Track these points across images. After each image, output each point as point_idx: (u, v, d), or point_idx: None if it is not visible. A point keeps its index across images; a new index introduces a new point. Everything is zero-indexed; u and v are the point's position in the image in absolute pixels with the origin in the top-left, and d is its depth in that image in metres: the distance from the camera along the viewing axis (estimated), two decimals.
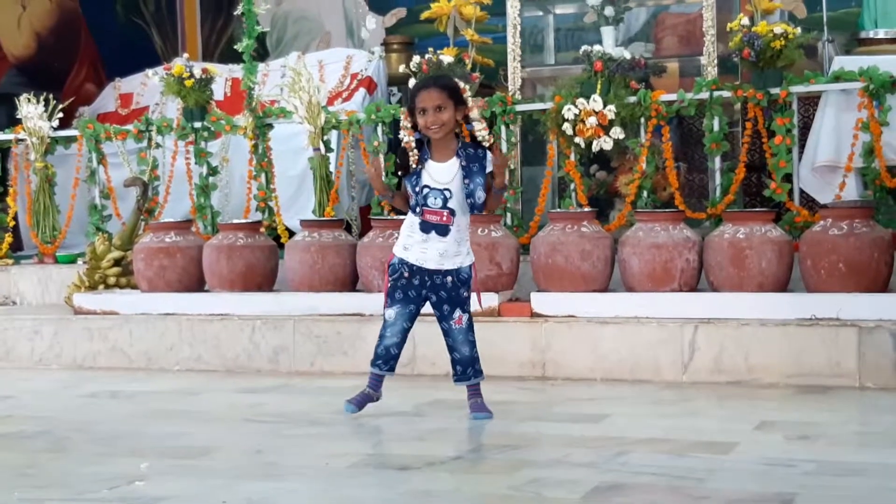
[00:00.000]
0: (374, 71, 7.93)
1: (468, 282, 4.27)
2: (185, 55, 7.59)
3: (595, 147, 6.16)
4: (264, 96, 7.33)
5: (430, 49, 6.75)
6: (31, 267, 7.54)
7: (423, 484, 3.28)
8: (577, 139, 6.16)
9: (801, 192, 6.11)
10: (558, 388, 5.05)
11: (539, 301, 5.41)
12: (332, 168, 6.74)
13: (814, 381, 4.84)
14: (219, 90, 7.78)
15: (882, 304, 4.93)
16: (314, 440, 3.99)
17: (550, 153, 6.48)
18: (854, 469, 3.35)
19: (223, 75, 7.94)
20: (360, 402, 4.36)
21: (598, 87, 6.14)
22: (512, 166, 6.57)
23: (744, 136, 6.09)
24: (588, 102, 6.09)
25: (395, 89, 8.16)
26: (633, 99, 6.13)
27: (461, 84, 4.29)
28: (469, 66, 6.70)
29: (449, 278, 4.24)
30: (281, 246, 6.32)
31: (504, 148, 6.47)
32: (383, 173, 4.18)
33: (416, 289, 4.26)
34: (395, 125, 6.51)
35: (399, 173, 4.28)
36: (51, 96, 7.57)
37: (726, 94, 6.04)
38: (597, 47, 6.35)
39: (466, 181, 4.15)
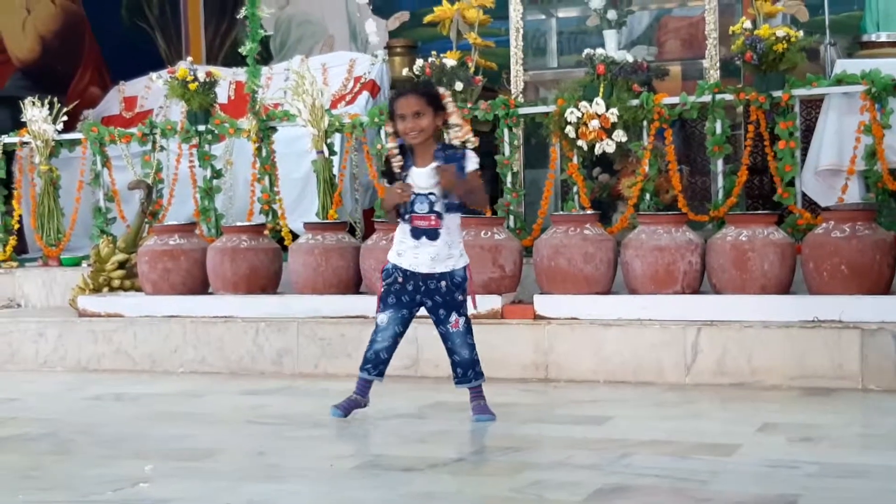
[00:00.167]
0: (378, 74, 7.94)
1: (463, 285, 4.28)
2: (189, 58, 7.61)
3: (598, 150, 6.17)
4: (268, 99, 7.35)
5: (434, 52, 6.77)
6: (35, 269, 7.56)
7: (425, 486, 3.29)
8: (579, 142, 6.17)
9: (803, 194, 6.11)
10: (561, 390, 5.05)
11: (542, 303, 5.42)
12: (335, 171, 6.75)
13: (816, 383, 4.84)
14: (222, 93, 7.79)
15: (884, 306, 4.93)
16: (317, 442, 4.00)
17: (553, 156, 6.49)
18: (857, 471, 3.35)
19: (227, 78, 7.95)
20: (347, 407, 4.34)
21: (601, 90, 6.15)
22: (515, 168, 6.58)
23: (746, 139, 6.10)
24: (591, 105, 6.10)
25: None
26: (635, 102, 6.13)
27: (441, 90, 4.30)
28: (472, 70, 6.71)
29: (443, 282, 4.25)
30: (285, 248, 6.33)
31: (507, 151, 6.49)
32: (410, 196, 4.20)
33: (409, 294, 4.27)
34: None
35: (386, 180, 4.31)
36: (55, 99, 7.58)
37: (729, 97, 6.04)
38: (599, 50, 6.36)
39: None
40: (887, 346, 4.79)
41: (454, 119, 4.23)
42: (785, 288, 5.24)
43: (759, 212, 6.06)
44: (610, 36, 7.02)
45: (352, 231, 6.67)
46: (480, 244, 5.58)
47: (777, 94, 5.92)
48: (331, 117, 6.65)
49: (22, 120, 7.61)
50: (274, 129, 6.99)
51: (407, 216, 4.23)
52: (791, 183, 5.93)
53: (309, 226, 6.13)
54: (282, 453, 3.84)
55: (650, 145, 6.14)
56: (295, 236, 6.61)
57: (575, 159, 6.27)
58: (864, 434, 4.14)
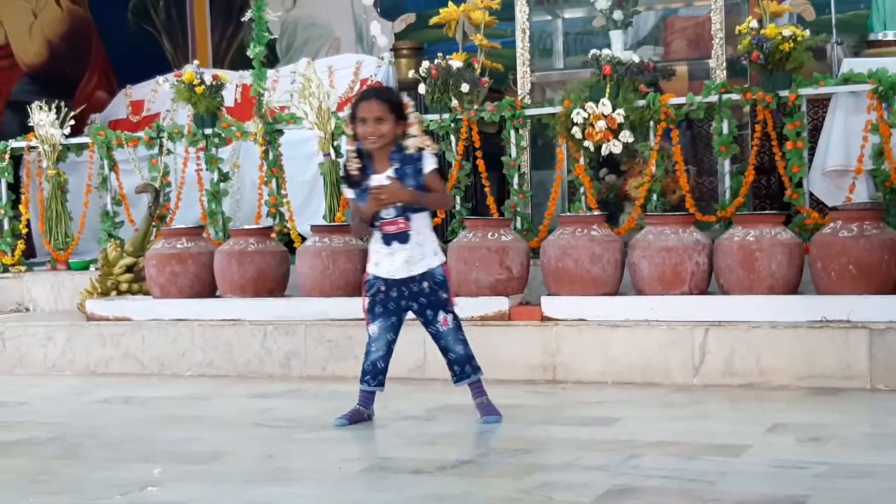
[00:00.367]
0: (384, 76, 7.94)
1: (445, 283, 4.28)
2: (196, 62, 7.62)
3: (604, 151, 6.16)
4: (274, 102, 7.36)
5: (440, 54, 6.76)
6: (43, 274, 7.58)
7: (434, 488, 3.29)
8: (586, 143, 6.17)
9: (811, 193, 6.10)
10: (569, 391, 5.05)
11: (549, 305, 5.41)
12: (342, 173, 6.75)
13: (825, 383, 4.83)
14: (229, 96, 7.81)
15: (893, 305, 4.92)
16: (325, 445, 4.00)
17: (560, 157, 6.49)
18: (865, 471, 3.34)
19: (233, 82, 7.97)
20: (351, 417, 4.33)
21: (607, 90, 6.15)
22: (522, 170, 6.58)
23: (753, 139, 6.09)
24: (597, 106, 6.10)
25: (404, 94, 8.16)
26: (642, 102, 6.13)
27: (404, 99, 4.29)
28: (478, 71, 6.71)
29: (425, 283, 4.25)
30: (292, 251, 6.34)
31: (513, 152, 6.49)
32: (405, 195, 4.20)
33: (394, 301, 4.27)
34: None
35: (344, 184, 4.30)
36: (62, 104, 7.61)
37: (735, 97, 6.04)
38: (605, 51, 6.36)
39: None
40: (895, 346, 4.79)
41: (414, 130, 4.21)
42: (793, 288, 5.23)
43: (767, 212, 6.05)
44: (616, 36, 7.02)
45: None
46: (487, 246, 5.59)
47: (784, 93, 5.92)
48: (337, 120, 6.66)
49: (29, 124, 7.64)
50: (281, 132, 7.01)
51: (377, 223, 4.23)
52: (799, 183, 5.92)
53: (316, 228, 6.13)
54: (290, 456, 3.84)
55: (657, 146, 6.13)
56: (303, 239, 6.62)
57: (582, 160, 6.27)
58: (872, 434, 4.13)
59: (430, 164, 4.19)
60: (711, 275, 5.37)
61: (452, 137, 6.62)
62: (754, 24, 6.00)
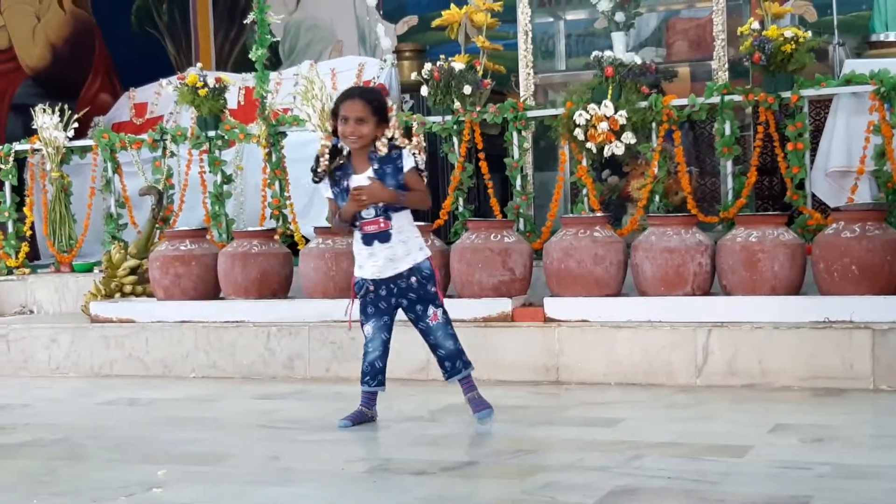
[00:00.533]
0: (387, 78, 7.95)
1: (432, 277, 4.28)
2: (199, 64, 7.63)
3: (607, 152, 6.17)
4: (277, 105, 7.36)
5: (442, 56, 6.77)
6: (47, 276, 7.59)
7: (437, 489, 3.30)
8: (588, 144, 6.18)
9: (813, 194, 6.11)
10: (572, 392, 5.06)
11: (552, 306, 5.42)
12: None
13: (828, 383, 4.83)
14: (232, 99, 7.82)
15: (895, 306, 4.92)
16: (329, 446, 4.01)
17: (562, 158, 6.50)
18: (868, 471, 3.35)
19: (236, 84, 7.98)
20: (355, 418, 4.34)
21: (610, 92, 6.16)
22: (525, 171, 6.58)
23: (755, 140, 6.10)
24: (599, 108, 6.11)
25: (407, 97, 8.19)
26: (644, 104, 6.14)
27: (389, 102, 4.28)
28: (480, 73, 6.72)
29: (413, 279, 4.26)
30: (296, 253, 6.34)
31: (516, 154, 6.50)
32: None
33: (384, 300, 4.28)
34: (406, 132, 6.52)
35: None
36: (66, 106, 7.62)
37: (737, 98, 6.04)
38: (608, 53, 6.37)
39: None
40: None
41: (393, 133, 4.19)
42: (795, 289, 5.23)
43: (769, 213, 6.05)
44: (618, 38, 7.03)
45: None
46: (490, 247, 5.59)
47: (786, 94, 5.92)
48: None
49: (33, 127, 7.65)
50: (284, 134, 7.02)
51: (357, 223, 4.23)
52: (800, 184, 5.93)
53: (319, 230, 6.14)
54: (293, 457, 3.85)
55: (659, 147, 6.14)
56: (307, 241, 6.63)
57: (584, 162, 6.28)
58: (875, 434, 4.14)
59: (409, 163, 4.19)
60: (714, 276, 5.37)
61: (455, 139, 6.64)
62: (756, 25, 6.01)
